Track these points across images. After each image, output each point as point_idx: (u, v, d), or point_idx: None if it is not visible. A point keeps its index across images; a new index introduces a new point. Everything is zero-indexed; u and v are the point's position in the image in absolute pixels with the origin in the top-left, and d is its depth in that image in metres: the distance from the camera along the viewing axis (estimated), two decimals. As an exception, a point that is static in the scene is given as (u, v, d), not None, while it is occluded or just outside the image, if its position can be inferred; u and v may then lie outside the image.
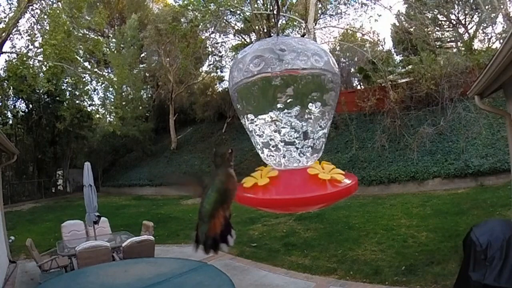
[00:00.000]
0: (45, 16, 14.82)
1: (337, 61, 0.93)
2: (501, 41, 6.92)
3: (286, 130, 0.88)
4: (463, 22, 17.16)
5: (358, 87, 19.30)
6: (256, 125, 0.91)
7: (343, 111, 13.98)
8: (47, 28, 14.85)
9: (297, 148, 0.90)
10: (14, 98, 18.91)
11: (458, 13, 17.12)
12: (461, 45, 16.81)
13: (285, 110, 0.86)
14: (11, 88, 17.11)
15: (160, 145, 22.51)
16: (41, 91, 18.05)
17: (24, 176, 20.11)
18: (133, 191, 18.99)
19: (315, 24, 17.55)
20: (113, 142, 22.05)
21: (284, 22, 18.38)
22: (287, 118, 0.87)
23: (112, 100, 20.96)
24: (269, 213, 8.12)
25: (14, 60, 15.50)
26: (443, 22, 17.93)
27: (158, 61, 22.54)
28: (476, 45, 15.79)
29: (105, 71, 21.65)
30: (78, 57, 18.01)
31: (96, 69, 20.48)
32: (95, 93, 20.84)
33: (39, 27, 15.19)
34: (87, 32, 20.33)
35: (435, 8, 16.34)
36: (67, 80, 19.28)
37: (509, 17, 14.22)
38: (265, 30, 18.64)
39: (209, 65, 23.35)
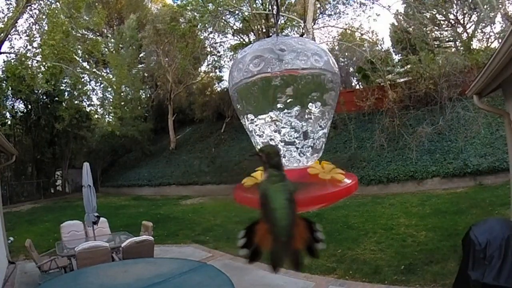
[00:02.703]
0: (44, 16, 14.81)
1: (335, 61, 0.93)
2: (500, 40, 6.93)
3: (286, 130, 0.88)
4: (461, 21, 17.17)
5: (357, 86, 19.31)
6: (256, 125, 0.91)
7: (342, 111, 13.98)
8: (46, 28, 14.84)
9: (297, 148, 0.90)
10: (13, 99, 18.91)
11: (456, 12, 17.13)
12: (460, 44, 16.84)
13: (285, 110, 0.86)
14: (10, 88, 17.09)
15: (159, 145, 22.48)
16: (39, 92, 18.04)
17: (23, 177, 20.08)
18: (132, 191, 18.97)
19: (314, 23, 17.54)
20: (112, 143, 22.01)
21: (282, 22, 18.36)
22: (287, 118, 0.87)
23: (111, 100, 20.91)
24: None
25: (12, 61, 15.48)
26: (441, 21, 17.94)
27: (156, 61, 22.50)
28: (475, 44, 15.83)
29: (104, 71, 21.62)
30: (76, 57, 17.99)
31: (94, 69, 20.48)
32: (94, 93, 20.89)
33: (37, 27, 15.19)
34: (86, 32, 20.33)
35: (434, 7, 16.35)
36: (65, 80, 19.29)
37: (507, 17, 14.25)
38: (264, 30, 18.64)
39: (208, 65, 23.36)
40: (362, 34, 18.04)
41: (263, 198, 0.75)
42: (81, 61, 20.07)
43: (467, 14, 16.97)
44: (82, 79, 18.66)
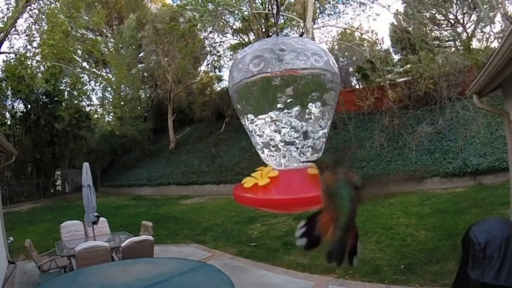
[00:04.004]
0: (43, 16, 14.78)
1: (335, 61, 0.94)
2: (499, 40, 6.93)
3: (286, 130, 0.88)
4: (461, 21, 17.18)
5: (357, 86, 19.31)
6: (256, 125, 0.91)
7: (341, 111, 13.98)
8: (45, 28, 14.81)
9: (297, 148, 0.90)
10: (13, 99, 18.90)
11: (456, 12, 17.14)
12: (460, 44, 16.84)
13: (285, 110, 0.86)
14: (9, 88, 17.06)
15: (159, 145, 22.48)
16: (39, 91, 18.02)
17: (23, 177, 20.07)
18: (132, 191, 18.98)
19: (314, 23, 17.54)
20: (112, 142, 21.99)
21: (282, 21, 18.35)
22: (287, 118, 0.87)
23: (111, 100, 20.91)
24: (268, 213, 8.13)
25: (12, 61, 15.46)
26: (441, 21, 17.94)
27: (156, 61, 22.50)
28: (475, 44, 15.83)
29: (104, 71, 21.62)
30: (76, 57, 17.96)
31: (94, 69, 20.48)
32: (93, 93, 20.80)
33: (37, 27, 15.16)
34: (85, 32, 20.28)
35: (434, 7, 16.34)
36: (65, 80, 19.26)
37: (507, 16, 14.25)
38: (264, 30, 18.64)
39: (208, 64, 23.37)
40: (361, 34, 18.06)
41: (331, 187, 0.77)
42: (80, 61, 20.05)
43: (466, 14, 16.98)
44: (82, 79, 18.61)
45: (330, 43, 20.43)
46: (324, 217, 0.79)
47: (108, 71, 21.83)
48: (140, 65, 24.69)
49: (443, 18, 17.64)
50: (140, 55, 24.16)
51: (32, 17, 15.06)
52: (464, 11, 16.84)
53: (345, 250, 0.77)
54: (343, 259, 0.77)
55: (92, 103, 21.25)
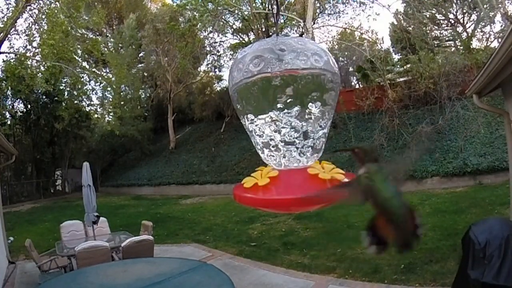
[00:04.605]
0: (43, 16, 14.77)
1: (335, 60, 0.94)
2: (499, 40, 6.93)
3: (286, 130, 0.88)
4: (461, 21, 17.18)
5: (357, 86, 19.31)
6: (256, 125, 0.91)
7: (341, 110, 13.99)
8: (45, 28, 14.81)
9: (297, 148, 0.90)
10: (13, 99, 18.89)
11: (456, 11, 17.14)
12: (460, 44, 16.83)
13: (285, 110, 0.86)
14: (9, 88, 17.06)
15: (159, 144, 22.48)
16: (39, 91, 18.01)
17: (23, 177, 20.07)
18: (132, 191, 18.98)
19: (314, 23, 17.53)
20: (112, 142, 22.00)
21: (282, 21, 18.35)
22: (287, 118, 0.87)
23: (111, 99, 20.91)
24: (268, 212, 8.13)
25: (12, 60, 15.46)
26: (441, 20, 17.94)
27: (156, 60, 22.49)
28: (475, 44, 15.82)
29: (104, 70, 21.61)
30: (76, 57, 17.96)
31: (94, 69, 20.47)
32: (93, 93, 20.84)
33: (37, 27, 15.14)
34: (85, 32, 20.30)
35: (434, 6, 16.35)
36: (65, 80, 19.26)
37: (507, 16, 14.25)
38: (264, 29, 18.63)
39: (208, 64, 23.36)
40: (361, 34, 18.02)
41: (372, 191, 0.77)
42: (80, 61, 20.03)
43: (466, 14, 16.98)
44: (82, 79, 18.62)
45: (330, 42, 20.44)
46: (379, 223, 0.80)
47: (108, 71, 21.84)
48: (140, 65, 24.69)
49: (443, 17, 17.65)
50: (140, 55, 24.14)
51: (32, 17, 15.05)
52: (464, 10, 16.84)
53: (409, 238, 0.79)
54: (412, 245, 0.79)
55: (92, 103, 21.31)
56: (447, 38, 18.51)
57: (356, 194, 0.79)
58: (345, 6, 18.52)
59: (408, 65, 14.43)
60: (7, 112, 18.99)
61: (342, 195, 0.82)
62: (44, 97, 18.88)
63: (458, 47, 16.75)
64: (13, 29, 14.74)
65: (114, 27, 24.60)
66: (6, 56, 15.47)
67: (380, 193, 0.76)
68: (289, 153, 0.91)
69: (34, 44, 15.22)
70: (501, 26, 14.90)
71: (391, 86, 13.89)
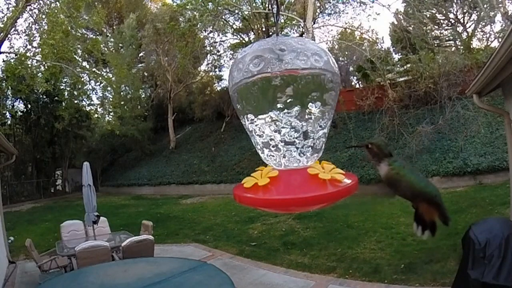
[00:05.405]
0: (43, 16, 14.78)
1: (335, 60, 0.94)
2: (500, 39, 6.93)
3: (286, 130, 0.88)
4: (461, 20, 17.18)
5: (357, 85, 19.30)
6: (256, 125, 0.91)
7: (341, 110, 13.99)
8: (45, 27, 14.82)
9: (297, 148, 0.90)
10: (13, 98, 18.90)
11: (456, 11, 17.15)
12: (460, 43, 16.85)
13: (285, 110, 0.86)
14: (10, 88, 17.05)
15: (159, 144, 22.49)
16: (39, 91, 18.04)
17: (23, 177, 20.09)
18: (132, 190, 18.99)
19: (314, 23, 17.52)
20: (112, 142, 22.02)
21: (282, 21, 18.34)
22: (287, 118, 0.87)
23: (111, 99, 20.92)
24: (268, 212, 8.13)
25: (12, 60, 15.46)
26: (441, 20, 17.95)
27: (156, 60, 22.50)
28: (475, 43, 15.85)
29: (104, 70, 21.58)
30: (76, 57, 17.98)
31: (94, 69, 20.43)
32: (93, 92, 20.84)
33: (37, 26, 15.15)
34: (85, 32, 20.30)
35: (434, 6, 16.35)
36: (65, 80, 19.27)
37: (507, 16, 14.24)
38: (264, 29, 18.63)
39: (208, 64, 23.34)
40: (362, 33, 18.04)
41: (405, 183, 0.85)
42: (80, 61, 20.04)
43: (467, 13, 16.99)
44: (82, 79, 18.63)
45: (330, 42, 20.43)
46: (422, 207, 0.89)
47: (108, 70, 21.83)
48: (140, 65, 24.71)
49: (443, 17, 17.66)
50: (140, 54, 24.15)
51: (32, 17, 15.06)
52: (464, 10, 16.85)
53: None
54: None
55: (92, 102, 21.34)
56: (447, 38, 18.52)
57: (390, 191, 0.88)
58: (345, 6, 18.49)
59: (408, 65, 14.43)
60: (7, 112, 18.99)
61: (385, 193, 0.90)
62: (44, 97, 18.91)
63: (458, 47, 16.77)
64: (13, 29, 14.75)
65: (114, 27, 24.59)
66: (6, 56, 15.48)
67: (414, 185, 0.85)
68: (289, 153, 0.91)
69: (34, 44, 15.25)
70: (501, 26, 14.91)
71: (391, 86, 13.90)
